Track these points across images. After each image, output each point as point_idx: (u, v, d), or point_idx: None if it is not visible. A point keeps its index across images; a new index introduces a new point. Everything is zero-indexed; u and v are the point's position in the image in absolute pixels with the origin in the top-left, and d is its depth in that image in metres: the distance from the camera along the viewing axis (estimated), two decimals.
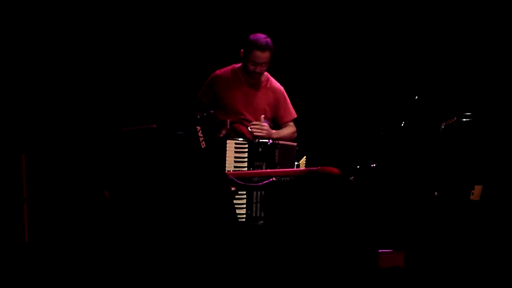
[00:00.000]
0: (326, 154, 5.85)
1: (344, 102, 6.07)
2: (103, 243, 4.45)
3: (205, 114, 4.95)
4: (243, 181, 4.68)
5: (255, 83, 5.12)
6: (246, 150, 4.89)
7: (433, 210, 4.48)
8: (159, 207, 4.32)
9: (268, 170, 4.86)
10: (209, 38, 5.85)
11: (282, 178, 4.75)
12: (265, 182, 4.70)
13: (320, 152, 5.78)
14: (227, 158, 4.82)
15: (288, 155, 4.96)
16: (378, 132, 4.69)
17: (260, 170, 4.86)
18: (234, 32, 5.61)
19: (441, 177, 4.47)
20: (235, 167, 4.90)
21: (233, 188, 4.64)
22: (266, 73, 5.21)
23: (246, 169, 4.83)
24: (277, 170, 4.86)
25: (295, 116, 5.30)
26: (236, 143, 4.91)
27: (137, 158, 4.41)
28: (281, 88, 5.30)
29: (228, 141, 4.89)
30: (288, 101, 5.30)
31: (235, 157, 4.85)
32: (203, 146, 4.53)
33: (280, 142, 4.95)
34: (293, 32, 5.92)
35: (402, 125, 4.60)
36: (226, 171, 4.78)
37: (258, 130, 5.02)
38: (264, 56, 5.05)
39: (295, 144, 5.04)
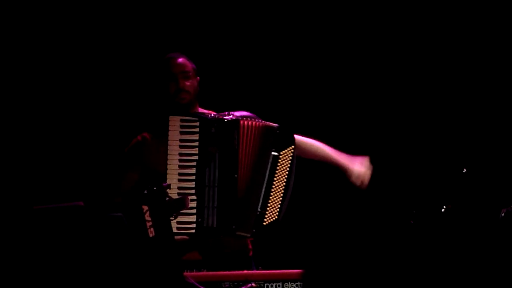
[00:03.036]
0: None
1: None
2: None
3: (155, 188, 3.84)
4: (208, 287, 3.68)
5: None
6: (197, 130, 3.91)
7: None
8: None
9: (246, 271, 3.78)
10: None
11: (266, 284, 3.71)
12: None
13: None
14: (169, 142, 3.92)
15: (259, 141, 3.90)
16: (410, 219, 3.92)
17: (234, 272, 3.76)
18: None
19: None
20: (180, 154, 3.93)
21: None
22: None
23: (196, 157, 3.89)
24: (258, 272, 3.81)
25: None
26: (182, 120, 3.93)
27: (52, 250, 3.52)
28: None
29: (170, 117, 3.94)
30: None
31: (181, 140, 3.92)
32: (151, 235, 3.68)
33: (245, 119, 3.94)
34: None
35: (443, 210, 3.81)
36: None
37: None
38: (180, 61, 4.12)
39: (275, 125, 3.94)
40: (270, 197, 3.88)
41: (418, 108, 5.32)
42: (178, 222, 3.88)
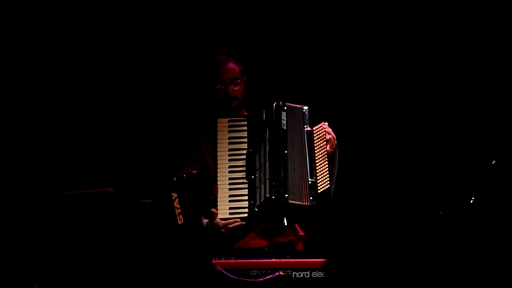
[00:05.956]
0: None
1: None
2: None
3: (184, 176, 3.89)
4: (236, 275, 3.69)
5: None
6: (245, 128, 4.16)
7: None
8: None
9: (274, 260, 3.80)
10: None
11: (293, 273, 3.70)
12: (268, 277, 3.68)
13: None
14: (218, 141, 4.16)
15: (296, 119, 4.15)
16: (437, 212, 3.85)
17: (262, 260, 3.79)
18: None
19: None
20: (230, 149, 4.14)
21: None
22: None
23: (245, 150, 4.12)
24: (286, 260, 3.83)
25: None
26: (230, 120, 4.17)
27: (82, 236, 3.56)
28: None
29: (219, 119, 4.18)
30: None
31: (230, 138, 4.16)
32: (180, 222, 3.71)
33: (287, 103, 4.16)
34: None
35: (472, 201, 3.75)
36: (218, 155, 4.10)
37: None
38: (229, 67, 4.23)
39: (301, 106, 4.21)
40: (317, 168, 3.99)
41: (448, 100, 5.28)
42: (230, 208, 4.01)
